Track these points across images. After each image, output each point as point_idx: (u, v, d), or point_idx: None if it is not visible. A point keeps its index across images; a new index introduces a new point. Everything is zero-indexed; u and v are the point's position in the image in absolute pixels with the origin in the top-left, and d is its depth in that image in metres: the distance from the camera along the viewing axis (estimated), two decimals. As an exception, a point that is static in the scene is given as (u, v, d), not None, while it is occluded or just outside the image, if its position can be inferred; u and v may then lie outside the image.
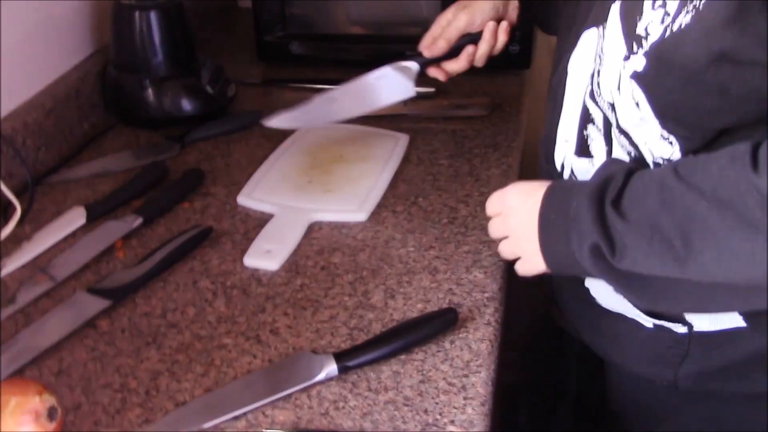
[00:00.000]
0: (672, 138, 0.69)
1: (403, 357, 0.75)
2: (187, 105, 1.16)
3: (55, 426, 0.65)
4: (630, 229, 0.64)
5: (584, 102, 0.77)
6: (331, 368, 0.73)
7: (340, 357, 0.74)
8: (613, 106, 0.72)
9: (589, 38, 0.77)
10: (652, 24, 0.66)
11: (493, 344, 0.78)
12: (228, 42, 1.51)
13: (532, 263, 0.75)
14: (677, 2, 0.64)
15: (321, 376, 0.72)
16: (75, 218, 0.96)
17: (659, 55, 0.65)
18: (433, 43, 0.99)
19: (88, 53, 1.21)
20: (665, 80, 0.66)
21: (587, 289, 0.83)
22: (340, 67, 1.35)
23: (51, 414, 0.64)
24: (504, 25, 0.98)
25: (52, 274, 0.88)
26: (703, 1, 0.62)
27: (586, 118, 0.78)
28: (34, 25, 1.08)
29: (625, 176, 0.67)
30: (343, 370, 0.73)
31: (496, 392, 0.75)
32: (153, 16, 1.13)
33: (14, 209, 0.94)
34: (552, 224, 0.70)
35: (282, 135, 1.15)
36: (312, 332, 0.79)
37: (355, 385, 0.72)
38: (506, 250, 0.79)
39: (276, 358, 0.76)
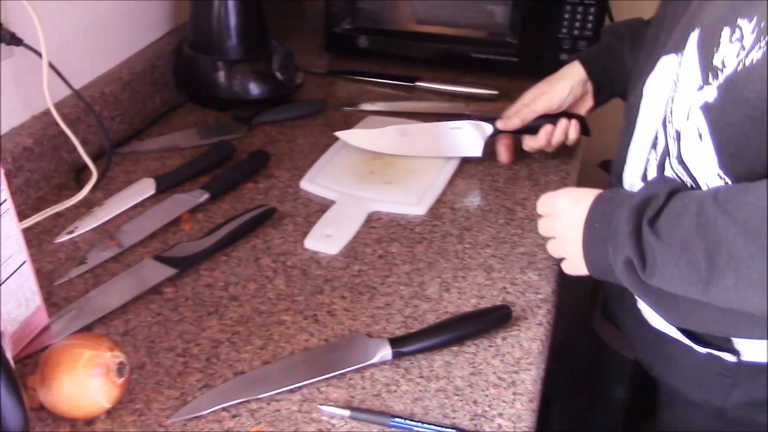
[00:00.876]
0: (727, 178, 0.69)
1: (455, 348, 0.77)
2: (255, 89, 1.19)
3: (123, 382, 0.68)
4: (662, 247, 0.66)
5: (657, 127, 0.78)
6: (386, 352, 0.75)
7: (394, 342, 0.76)
8: (678, 135, 0.72)
9: (666, 64, 0.77)
10: (728, 57, 0.66)
11: (543, 344, 0.79)
12: (297, 31, 1.55)
13: (575, 266, 0.79)
14: (753, 36, 0.64)
15: (375, 359, 0.74)
16: (144, 188, 1.00)
17: (730, 89, 0.66)
18: (510, 118, 1.06)
19: (166, 31, 1.25)
20: (731, 115, 0.66)
21: (640, 311, 0.85)
22: (405, 64, 1.38)
23: (120, 370, 0.67)
24: (574, 123, 1.04)
25: (121, 240, 0.91)
26: None
27: (653, 144, 0.78)
28: (118, 1, 1.12)
29: (667, 195, 0.69)
30: (397, 355, 0.75)
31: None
32: (231, 1, 1.16)
33: (90, 174, 0.98)
34: (595, 232, 0.74)
35: (345, 125, 1.18)
36: (368, 317, 0.81)
37: (408, 371, 0.74)
38: (553, 250, 0.83)
39: (332, 339, 0.78)
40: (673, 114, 0.73)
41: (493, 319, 0.79)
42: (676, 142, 0.72)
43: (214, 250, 0.89)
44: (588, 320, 1.69)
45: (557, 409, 1.78)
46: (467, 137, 1.07)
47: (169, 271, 0.85)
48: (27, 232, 0.91)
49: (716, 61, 0.67)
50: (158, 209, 0.96)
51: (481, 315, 0.80)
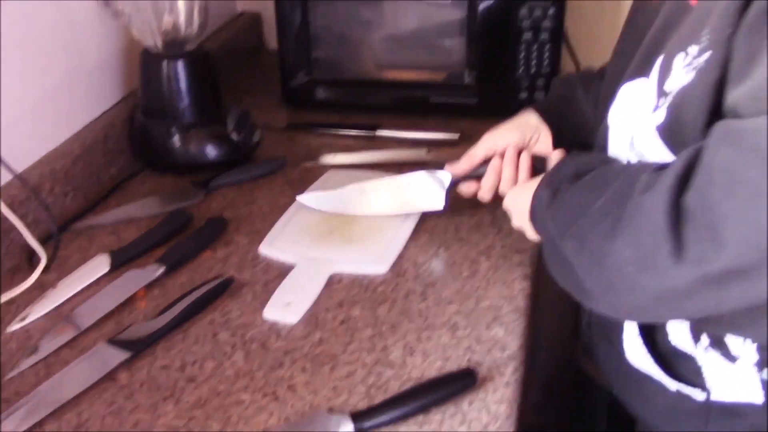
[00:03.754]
0: None
1: (420, 418, 0.75)
2: (212, 152, 1.17)
3: (71, 485, 0.65)
4: (566, 194, 0.76)
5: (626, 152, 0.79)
6: (347, 429, 0.72)
7: (356, 417, 0.73)
8: (642, 156, 0.74)
9: (629, 91, 0.78)
10: (676, 81, 0.68)
11: (512, 406, 0.77)
12: (255, 84, 1.53)
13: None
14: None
15: (337, 438, 0.72)
16: (99, 266, 0.97)
17: (673, 111, 0.68)
18: (458, 162, 1.01)
19: (117, 99, 1.23)
20: (681, 134, 0.68)
21: (620, 343, 0.83)
22: (365, 112, 1.37)
23: (67, 473, 0.64)
24: (524, 157, 0.96)
25: (76, 323, 0.88)
26: (702, 60, 0.65)
27: None
28: (65, 74, 1.10)
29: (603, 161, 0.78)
30: (360, 431, 0.72)
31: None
32: (180, 65, 1.15)
33: (39, 258, 0.95)
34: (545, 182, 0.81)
35: (305, 182, 1.16)
36: (329, 390, 0.79)
37: (372, 447, 0.72)
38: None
39: (292, 416, 0.76)
40: (635, 137, 0.75)
41: (458, 386, 0.77)
42: None
43: (169, 328, 0.86)
44: (571, 354, 1.67)
45: (550, 442, 1.75)
46: (426, 189, 1.03)
47: (123, 355, 0.83)
48: (-23, 323, 0.88)
49: (667, 86, 0.69)
50: (113, 288, 0.94)
51: (446, 381, 0.77)
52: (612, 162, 0.78)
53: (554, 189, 0.77)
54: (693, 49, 0.67)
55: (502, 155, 0.98)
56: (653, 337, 0.80)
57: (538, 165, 1.00)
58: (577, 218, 0.71)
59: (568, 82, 1.04)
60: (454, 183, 1.03)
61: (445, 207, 1.02)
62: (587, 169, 0.76)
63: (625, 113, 0.78)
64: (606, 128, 0.81)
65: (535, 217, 0.81)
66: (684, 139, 0.67)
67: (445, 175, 1.02)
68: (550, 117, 1.00)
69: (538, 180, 0.83)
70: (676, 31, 0.72)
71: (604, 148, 0.82)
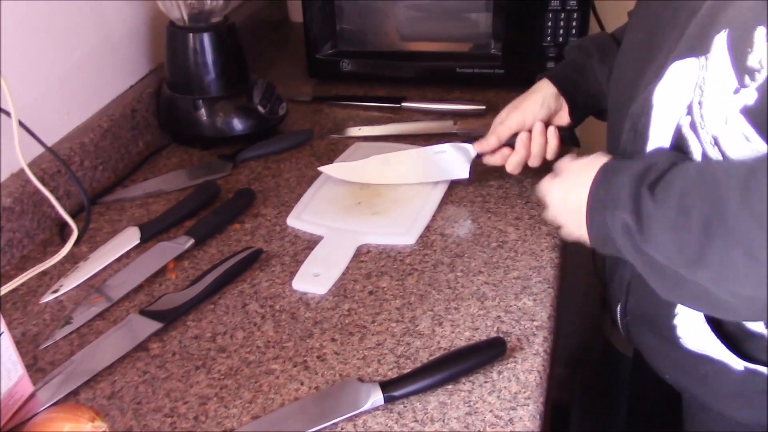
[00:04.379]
0: None
1: (450, 387, 0.75)
2: (238, 124, 1.18)
3: (107, 452, 0.66)
4: (658, 211, 0.66)
5: (681, 133, 0.73)
6: (377, 398, 0.73)
7: (386, 386, 0.74)
8: (716, 140, 0.69)
9: (681, 69, 0.72)
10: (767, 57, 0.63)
11: (541, 375, 0.77)
12: (280, 57, 1.53)
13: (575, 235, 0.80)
14: None
15: (367, 406, 0.72)
16: (129, 238, 0.98)
17: None
18: (486, 139, 1.03)
19: (144, 73, 1.23)
20: None
21: (674, 328, 0.81)
22: (391, 84, 1.36)
23: (103, 440, 0.66)
24: (552, 129, 1.00)
25: (108, 295, 0.90)
26: None
27: (681, 151, 0.74)
28: (92, 48, 1.11)
29: (669, 164, 0.69)
30: (389, 399, 0.73)
31: (545, 414, 0.74)
32: (206, 38, 1.15)
33: (71, 230, 0.96)
34: (598, 198, 0.74)
35: (332, 154, 1.16)
36: (359, 359, 0.79)
37: (401, 416, 0.72)
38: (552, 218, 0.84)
39: (323, 385, 0.76)
40: (705, 119, 0.69)
41: (488, 354, 0.77)
42: (715, 147, 0.69)
43: (200, 299, 0.87)
44: (599, 327, 1.66)
45: (576, 415, 1.76)
46: (452, 160, 1.04)
47: (155, 326, 0.84)
48: (12, 294, 0.90)
49: (752, 62, 0.64)
50: (143, 259, 0.95)
51: (475, 350, 0.77)
52: (678, 163, 0.69)
53: (636, 212, 0.68)
54: None
55: (529, 129, 1.00)
56: (717, 320, 0.77)
57: (564, 135, 1.01)
58: (697, 244, 0.63)
59: (584, 48, 1.04)
60: (479, 156, 1.04)
61: (469, 177, 1.04)
62: (655, 178, 0.68)
63: (675, 93, 0.73)
64: (648, 106, 0.76)
65: (611, 242, 0.72)
66: None
67: (471, 148, 1.04)
68: (565, 87, 1.01)
69: (585, 172, 0.76)
70: (732, 4, 0.67)
71: (642, 126, 0.77)
